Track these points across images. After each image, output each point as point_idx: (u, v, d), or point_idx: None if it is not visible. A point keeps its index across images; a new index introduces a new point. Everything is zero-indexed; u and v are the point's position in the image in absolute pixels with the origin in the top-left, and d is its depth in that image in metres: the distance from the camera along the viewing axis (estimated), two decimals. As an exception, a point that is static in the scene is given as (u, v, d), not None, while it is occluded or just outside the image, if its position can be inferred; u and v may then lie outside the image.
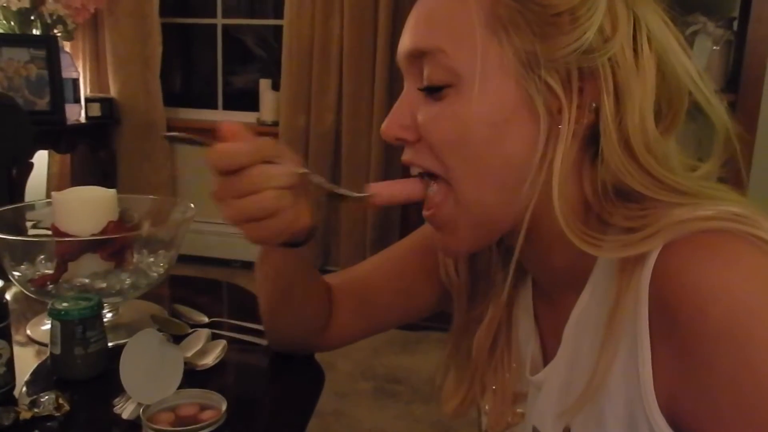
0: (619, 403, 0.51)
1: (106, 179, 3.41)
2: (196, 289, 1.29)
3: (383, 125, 0.59)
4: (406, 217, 2.80)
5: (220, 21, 3.61)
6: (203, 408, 0.68)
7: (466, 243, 0.60)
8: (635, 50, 0.53)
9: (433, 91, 0.56)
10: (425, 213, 0.61)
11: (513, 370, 0.66)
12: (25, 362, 0.89)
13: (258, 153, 0.58)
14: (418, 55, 0.56)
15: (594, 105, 0.53)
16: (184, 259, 1.11)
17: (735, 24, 2.57)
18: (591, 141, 0.54)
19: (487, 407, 0.68)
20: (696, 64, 0.54)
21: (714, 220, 0.48)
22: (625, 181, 0.52)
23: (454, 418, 0.70)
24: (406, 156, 0.59)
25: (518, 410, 0.65)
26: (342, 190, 0.63)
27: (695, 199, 0.50)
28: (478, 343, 0.67)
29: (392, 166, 3.07)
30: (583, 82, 0.53)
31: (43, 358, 0.88)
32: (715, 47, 2.58)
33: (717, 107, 0.54)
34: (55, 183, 3.53)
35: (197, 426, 0.63)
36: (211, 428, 0.64)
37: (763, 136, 2.29)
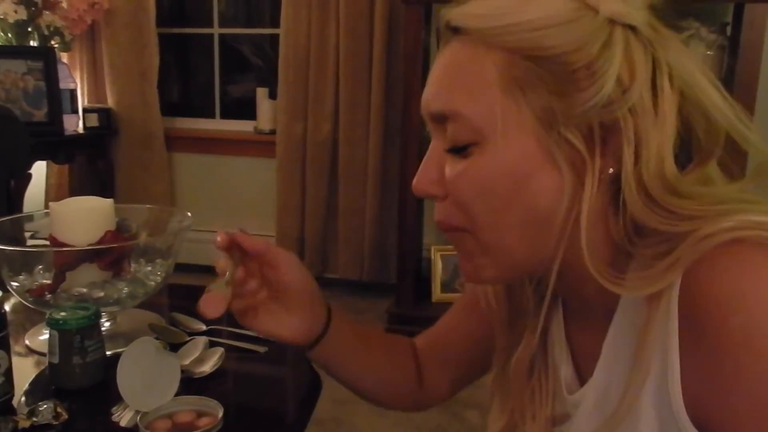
0: (652, 417, 0.52)
1: (104, 190, 3.42)
2: (195, 298, 1.30)
3: (414, 181, 0.60)
4: (404, 223, 2.81)
5: (216, 30, 3.62)
6: (200, 415, 0.69)
7: (492, 278, 0.62)
8: (654, 92, 0.52)
9: (458, 151, 0.56)
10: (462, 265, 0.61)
11: (550, 393, 0.67)
12: (24, 372, 0.89)
13: None
14: (439, 118, 0.57)
15: (618, 154, 0.52)
16: (183, 267, 1.11)
17: (728, 29, 2.59)
18: (614, 184, 0.54)
19: (527, 430, 0.69)
20: (729, 97, 0.53)
21: (736, 231, 0.48)
22: (648, 224, 0.52)
23: None
24: (438, 216, 0.60)
25: (556, 430, 0.66)
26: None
27: (720, 217, 0.50)
28: (516, 369, 0.68)
29: (389, 174, 3.09)
30: (606, 134, 0.52)
31: (42, 367, 0.89)
32: (708, 52, 2.60)
33: (750, 137, 0.54)
34: (54, 194, 3.53)
35: (194, 432, 0.64)
36: (207, 435, 0.64)
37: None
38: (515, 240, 0.56)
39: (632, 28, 0.53)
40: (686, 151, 0.55)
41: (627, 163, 0.52)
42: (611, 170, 0.53)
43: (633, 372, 0.53)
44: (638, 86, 0.51)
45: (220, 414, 0.66)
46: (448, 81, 0.57)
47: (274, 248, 0.68)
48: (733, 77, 2.43)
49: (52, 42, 3.19)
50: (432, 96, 0.58)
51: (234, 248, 0.67)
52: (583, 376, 0.63)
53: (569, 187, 0.53)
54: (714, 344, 0.47)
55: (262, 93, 3.41)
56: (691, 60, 0.54)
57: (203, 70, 3.75)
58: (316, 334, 0.73)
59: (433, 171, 0.58)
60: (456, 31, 0.57)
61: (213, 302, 0.62)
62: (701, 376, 0.48)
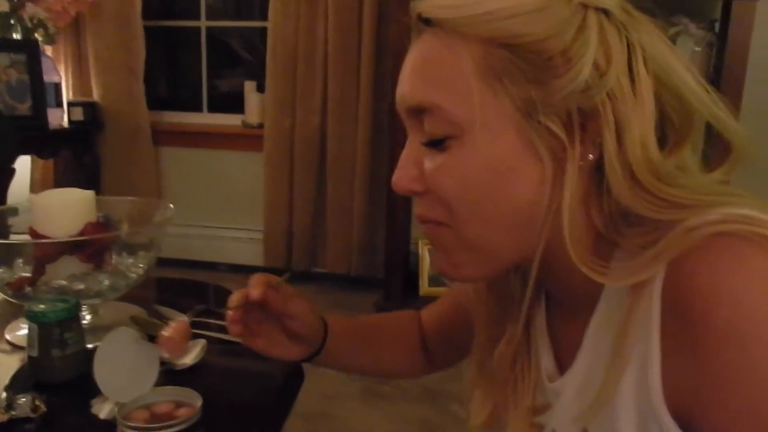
0: (632, 406, 0.52)
1: (90, 184, 3.38)
2: (179, 291, 1.29)
3: (393, 179, 0.59)
4: (392, 217, 2.80)
5: (204, 24, 3.60)
6: (179, 405, 0.68)
7: (471, 276, 0.61)
8: (631, 76, 0.52)
9: (436, 144, 0.56)
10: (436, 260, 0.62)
11: (532, 383, 0.67)
12: (4, 366, 0.89)
13: None
14: (416, 111, 0.57)
15: (598, 140, 0.52)
16: (170, 262, 1.10)
17: (716, 26, 2.60)
18: (596, 172, 0.54)
19: (509, 420, 0.69)
20: (701, 79, 0.53)
21: (721, 224, 0.47)
22: (635, 210, 0.52)
23: (485, 429, 0.72)
24: (419, 210, 0.60)
25: (537, 420, 0.66)
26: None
27: (706, 207, 0.50)
28: (499, 359, 0.68)
29: (378, 169, 3.08)
30: (585, 120, 0.52)
31: (23, 361, 0.88)
32: (696, 48, 2.61)
33: (725, 121, 0.54)
34: (38, 189, 3.49)
35: (171, 423, 0.63)
36: (185, 425, 0.63)
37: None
38: (497, 234, 0.56)
39: (605, 12, 0.53)
40: (661, 135, 0.54)
41: (609, 147, 0.51)
42: (591, 156, 0.53)
43: (613, 361, 0.53)
44: (615, 70, 0.51)
45: (199, 404, 0.66)
46: (424, 74, 0.56)
47: (291, 302, 0.73)
48: (720, 73, 2.44)
49: (36, 35, 3.15)
50: (408, 90, 0.57)
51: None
52: (564, 365, 0.63)
53: (550, 176, 0.53)
54: (698, 337, 0.47)
55: (250, 86, 3.39)
56: (664, 43, 0.54)
57: (190, 63, 3.73)
58: (314, 349, 0.79)
59: (412, 167, 0.58)
60: (428, 23, 0.56)
61: (176, 339, 0.72)
62: (683, 368, 0.48)
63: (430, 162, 0.56)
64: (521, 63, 0.52)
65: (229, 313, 0.70)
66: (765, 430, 0.45)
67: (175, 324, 0.70)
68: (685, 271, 0.48)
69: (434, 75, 0.55)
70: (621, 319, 0.52)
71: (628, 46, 0.52)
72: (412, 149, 0.58)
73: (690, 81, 0.53)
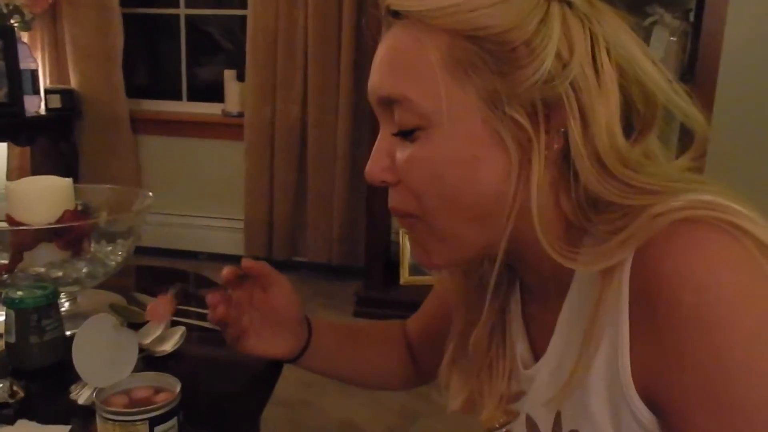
0: (602, 388, 0.53)
1: (68, 173, 3.32)
2: (159, 279, 1.29)
3: (366, 168, 0.61)
4: (373, 207, 2.81)
5: (183, 11, 3.56)
6: (157, 391, 0.69)
7: (445, 264, 0.64)
8: (595, 68, 0.53)
9: (406, 135, 0.57)
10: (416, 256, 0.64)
11: (507, 369, 0.68)
12: (-19, 352, 0.88)
13: None
14: (386, 103, 0.58)
15: (563, 130, 0.53)
16: (150, 251, 1.10)
17: (691, 15, 2.62)
18: (564, 160, 0.55)
19: (484, 405, 0.71)
20: (664, 69, 0.54)
21: (686, 210, 0.49)
22: (603, 196, 0.53)
23: (462, 413, 0.74)
24: (391, 202, 0.61)
25: (512, 408, 0.67)
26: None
27: (672, 194, 0.51)
28: (475, 344, 0.69)
29: (358, 158, 3.09)
30: (549, 110, 0.53)
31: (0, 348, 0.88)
32: (672, 38, 2.63)
33: (686, 109, 0.55)
34: (15, 176, 3.45)
35: (150, 407, 0.64)
36: (164, 410, 0.64)
37: (717, 124, 2.35)
38: (467, 224, 0.57)
39: (568, 3, 0.54)
40: (627, 124, 0.55)
41: (575, 136, 0.53)
42: (556, 146, 0.54)
43: (584, 345, 0.54)
44: (578, 60, 0.52)
45: (178, 389, 0.67)
46: (393, 66, 0.57)
47: (271, 270, 0.78)
48: (695, 63, 2.47)
49: (12, 21, 3.11)
50: (377, 81, 0.58)
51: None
52: (539, 353, 0.64)
53: (516, 165, 0.54)
54: (665, 321, 0.48)
55: (229, 75, 3.37)
56: (627, 33, 0.55)
57: (170, 51, 3.69)
58: (300, 348, 0.81)
59: (384, 158, 0.59)
60: (396, 15, 0.57)
61: (160, 308, 0.73)
62: (651, 352, 0.49)
63: (401, 152, 0.58)
64: (485, 55, 0.53)
65: (210, 296, 0.72)
66: (722, 412, 0.46)
67: (161, 296, 0.73)
68: (651, 257, 0.49)
69: (402, 66, 0.56)
70: (592, 305, 0.53)
71: (591, 37, 0.53)
72: (384, 140, 0.60)
73: (651, 70, 0.54)
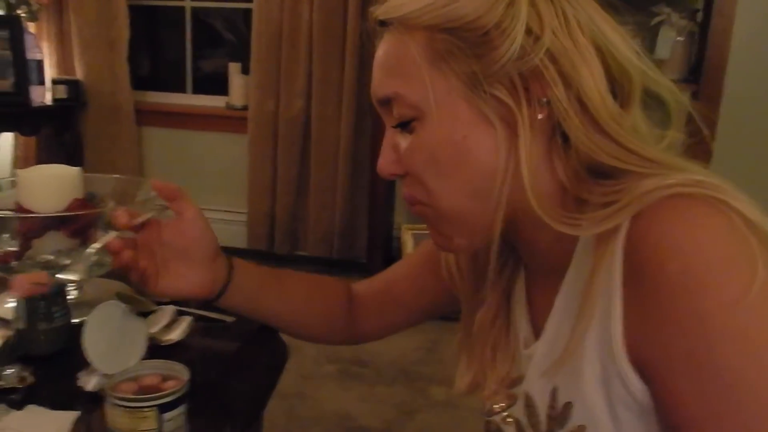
0: (595, 359, 0.55)
1: (71, 163, 3.33)
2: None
3: (378, 165, 0.65)
4: (374, 201, 2.82)
5: (188, 3, 3.57)
6: (166, 378, 0.69)
7: (463, 246, 0.66)
8: (573, 40, 0.56)
9: (404, 126, 0.62)
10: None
11: (511, 351, 0.70)
12: (-11, 338, 0.89)
13: None
14: (384, 102, 0.63)
15: (545, 99, 0.56)
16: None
17: (699, 15, 2.63)
18: (557, 131, 0.58)
19: (486, 386, 0.73)
20: (632, 43, 0.58)
21: (679, 186, 0.51)
22: (597, 158, 0.56)
23: (467, 394, 0.75)
24: (405, 192, 0.65)
25: (513, 391, 0.69)
26: None
27: (664, 169, 0.54)
28: (479, 325, 0.72)
29: (361, 152, 3.09)
30: (528, 83, 0.56)
31: (8, 336, 0.89)
32: (679, 38, 2.64)
33: (655, 78, 0.59)
34: (21, 165, 3.46)
35: (159, 394, 0.64)
36: (172, 397, 0.65)
37: (724, 124, 2.34)
38: (468, 202, 0.60)
39: None
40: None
41: (559, 102, 0.56)
42: (540, 116, 0.57)
43: (579, 317, 0.56)
44: (548, 33, 0.55)
45: (186, 377, 0.67)
46: (385, 68, 0.63)
47: (183, 195, 0.76)
48: (702, 63, 2.48)
49: (19, 11, 3.11)
50: (376, 84, 0.64)
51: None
52: (539, 331, 0.66)
53: (505, 140, 0.57)
54: (652, 288, 0.50)
55: (234, 68, 3.38)
56: (595, 10, 0.58)
57: (175, 43, 3.70)
58: (220, 286, 0.80)
59: (391, 152, 0.64)
60: (383, 24, 0.63)
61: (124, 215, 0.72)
62: (640, 320, 0.52)
63: (403, 144, 0.62)
64: (461, 42, 0.57)
65: (112, 242, 0.72)
66: (704, 376, 0.48)
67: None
68: (643, 228, 0.51)
69: (392, 67, 0.62)
70: (587, 277, 0.56)
71: (564, 16, 0.56)
72: (389, 135, 0.64)
73: (620, 44, 0.57)
